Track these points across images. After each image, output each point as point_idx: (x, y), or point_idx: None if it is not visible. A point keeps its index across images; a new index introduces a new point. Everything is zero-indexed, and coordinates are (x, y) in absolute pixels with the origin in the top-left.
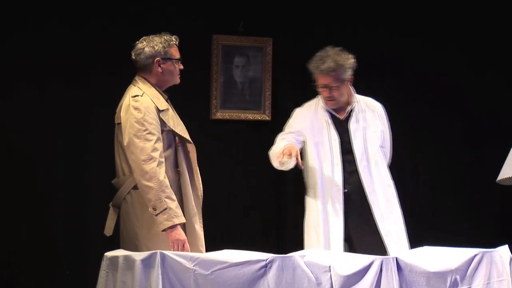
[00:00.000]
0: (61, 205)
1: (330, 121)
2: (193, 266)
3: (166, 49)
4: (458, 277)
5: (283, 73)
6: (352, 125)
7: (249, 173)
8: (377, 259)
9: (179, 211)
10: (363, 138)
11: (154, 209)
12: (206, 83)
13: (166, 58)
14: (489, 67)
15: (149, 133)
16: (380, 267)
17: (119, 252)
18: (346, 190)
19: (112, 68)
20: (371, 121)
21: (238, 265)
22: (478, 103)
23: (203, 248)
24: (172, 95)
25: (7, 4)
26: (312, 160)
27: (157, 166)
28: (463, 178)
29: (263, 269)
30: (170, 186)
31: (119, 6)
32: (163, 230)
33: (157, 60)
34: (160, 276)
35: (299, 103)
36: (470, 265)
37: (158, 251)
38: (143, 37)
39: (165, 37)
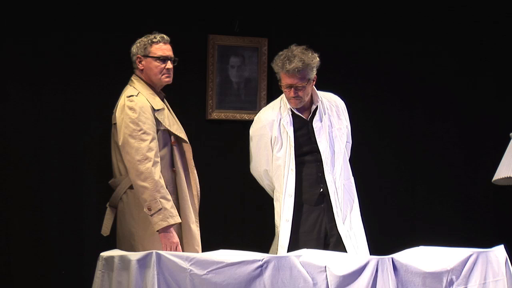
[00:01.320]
0: (56, 205)
1: (291, 127)
2: (189, 266)
3: (146, 46)
4: (453, 277)
5: None
6: (317, 125)
7: (245, 173)
8: (372, 259)
9: (174, 211)
10: (329, 137)
11: (149, 209)
12: (202, 83)
13: (145, 55)
14: (482, 69)
15: (144, 133)
16: (375, 267)
17: (115, 252)
18: (322, 190)
19: (108, 69)
20: (335, 119)
21: (234, 265)
22: (473, 105)
23: (199, 247)
24: (168, 95)
25: (3, 10)
26: (275, 165)
27: (152, 166)
28: (458, 178)
29: (259, 269)
30: (166, 185)
31: (114, 8)
32: (158, 230)
33: (137, 57)
34: (155, 276)
35: None
36: (465, 265)
37: (154, 251)
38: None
39: (151, 35)
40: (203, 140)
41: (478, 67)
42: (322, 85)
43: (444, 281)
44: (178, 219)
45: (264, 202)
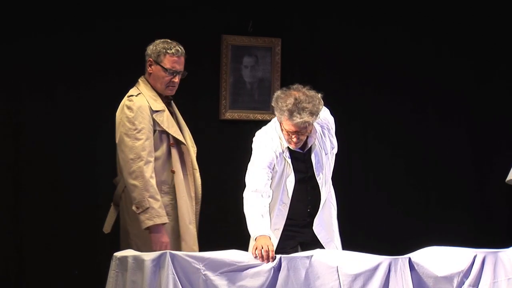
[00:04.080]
0: (70, 204)
1: (289, 161)
2: (202, 266)
3: (160, 54)
4: (464, 277)
5: (292, 73)
6: (314, 158)
7: None
8: (385, 259)
9: (162, 211)
10: (324, 167)
11: (137, 207)
12: (215, 84)
13: (156, 61)
14: (493, 70)
15: (139, 132)
16: (388, 267)
17: (129, 252)
18: (309, 210)
19: (120, 70)
20: (327, 144)
21: (247, 266)
22: (484, 105)
23: (196, 247)
24: (182, 95)
25: (15, 10)
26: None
27: (144, 165)
28: (471, 179)
29: (272, 270)
30: (162, 185)
31: (128, 8)
32: (145, 229)
33: (148, 60)
34: (170, 276)
35: None
36: (477, 265)
37: (168, 251)
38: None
39: (168, 44)
40: (216, 140)
41: (489, 68)
42: (335, 89)
43: (455, 281)
44: (165, 220)
45: None
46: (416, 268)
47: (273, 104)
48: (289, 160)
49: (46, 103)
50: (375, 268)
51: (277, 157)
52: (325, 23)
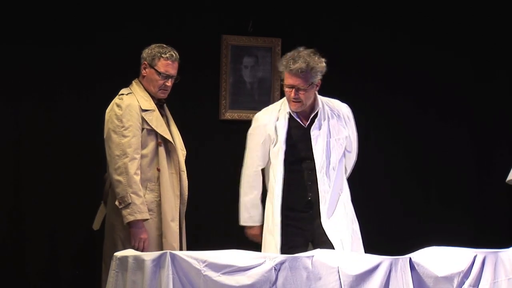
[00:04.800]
0: (70, 204)
1: (284, 130)
2: (203, 267)
3: (155, 58)
4: (464, 277)
5: None
6: (314, 133)
7: None
8: (385, 259)
9: (144, 207)
10: (325, 146)
11: (120, 203)
12: (215, 84)
13: (150, 65)
14: (494, 69)
15: (126, 129)
16: (389, 267)
17: (129, 252)
18: (310, 198)
19: (121, 71)
20: (335, 128)
21: (248, 266)
22: (485, 105)
23: (176, 244)
24: (181, 95)
25: (15, 11)
26: (270, 165)
27: (129, 161)
28: (472, 179)
29: (272, 270)
30: (147, 182)
31: (128, 8)
32: (126, 224)
33: (143, 63)
34: (170, 276)
35: None
36: (477, 265)
37: (168, 251)
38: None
39: (163, 49)
40: (216, 140)
41: (491, 67)
42: (335, 87)
43: (455, 282)
44: (146, 216)
45: None
46: (416, 268)
47: (278, 64)
48: (283, 134)
49: (46, 104)
50: (376, 268)
51: (270, 135)
52: (325, 23)
